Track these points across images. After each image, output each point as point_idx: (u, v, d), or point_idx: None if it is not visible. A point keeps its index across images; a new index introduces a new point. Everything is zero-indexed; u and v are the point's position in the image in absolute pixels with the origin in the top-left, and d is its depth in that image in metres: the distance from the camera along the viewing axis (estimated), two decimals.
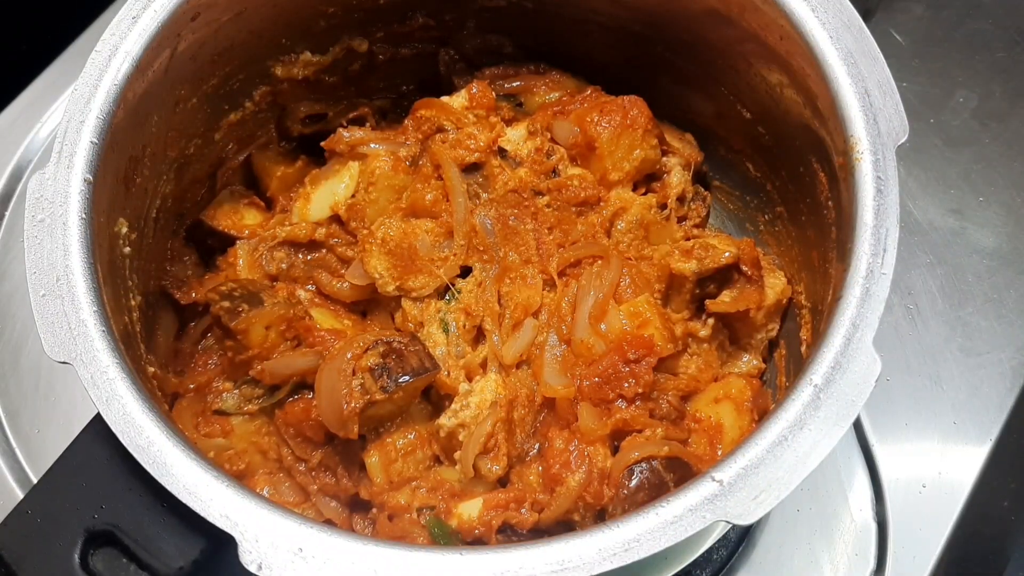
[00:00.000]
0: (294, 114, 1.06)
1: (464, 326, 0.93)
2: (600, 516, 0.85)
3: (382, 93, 1.11)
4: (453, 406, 0.88)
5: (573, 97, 1.03)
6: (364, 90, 1.09)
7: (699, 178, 1.06)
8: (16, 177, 1.25)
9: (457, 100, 1.02)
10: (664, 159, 1.02)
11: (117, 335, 0.75)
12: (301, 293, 0.98)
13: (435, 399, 0.92)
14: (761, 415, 0.90)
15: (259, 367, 0.90)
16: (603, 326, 0.91)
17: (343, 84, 1.07)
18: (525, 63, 1.09)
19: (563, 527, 0.85)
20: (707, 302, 0.95)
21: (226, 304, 0.91)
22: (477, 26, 1.06)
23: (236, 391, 0.92)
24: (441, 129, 1.01)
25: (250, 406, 0.91)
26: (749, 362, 0.98)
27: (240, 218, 1.03)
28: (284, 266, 0.99)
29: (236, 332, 0.91)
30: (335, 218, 1.00)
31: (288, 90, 1.03)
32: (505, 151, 0.99)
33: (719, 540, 0.99)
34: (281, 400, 0.90)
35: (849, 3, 0.82)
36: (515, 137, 1.00)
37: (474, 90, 1.02)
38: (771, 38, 0.87)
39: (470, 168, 0.98)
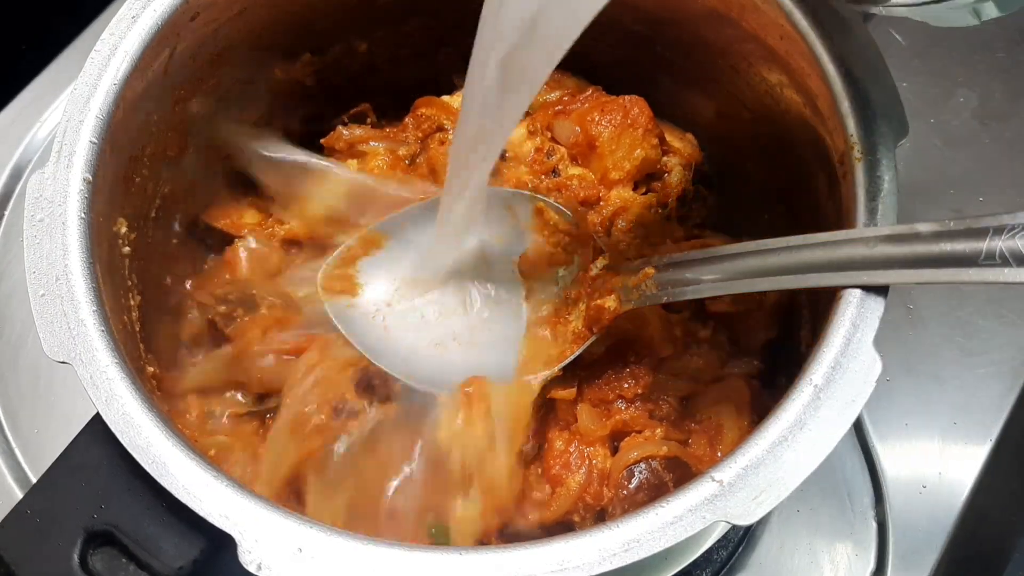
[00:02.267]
0: (294, 113, 1.06)
1: None
2: (600, 516, 0.85)
3: (382, 92, 1.11)
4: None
5: (574, 97, 1.03)
6: (364, 89, 1.09)
7: (700, 178, 1.06)
8: (15, 177, 1.25)
9: (458, 99, 1.03)
10: (665, 159, 1.02)
11: (116, 335, 0.75)
12: None
13: None
14: (761, 416, 0.90)
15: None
16: None
17: (343, 83, 1.07)
18: None
19: (563, 527, 0.85)
20: (707, 302, 0.95)
21: (222, 309, 0.91)
22: (476, 25, 1.06)
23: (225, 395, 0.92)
24: (441, 128, 1.01)
25: (236, 409, 0.91)
26: (749, 362, 0.97)
27: (239, 216, 1.03)
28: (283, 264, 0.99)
29: (231, 337, 0.91)
30: None
31: (288, 90, 1.03)
32: (504, 152, 0.99)
33: (719, 540, 0.99)
34: (272, 409, 0.90)
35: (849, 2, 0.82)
36: (515, 137, 1.00)
37: None
38: (771, 38, 0.87)
39: None
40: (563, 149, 0.99)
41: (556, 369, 0.88)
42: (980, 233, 0.63)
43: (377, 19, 1.04)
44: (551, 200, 0.94)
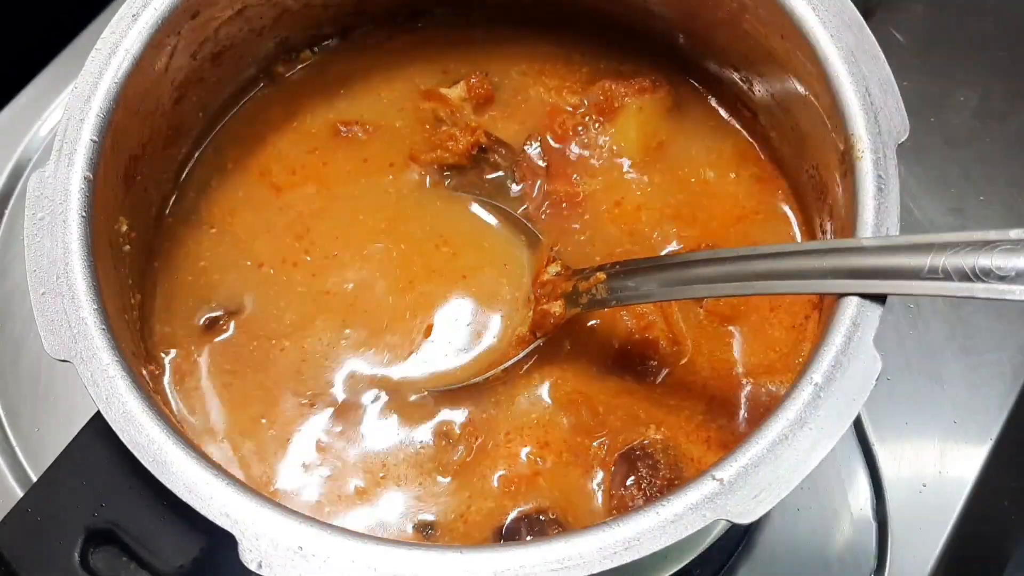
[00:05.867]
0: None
1: None
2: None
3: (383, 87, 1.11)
4: None
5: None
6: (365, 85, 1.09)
7: None
8: (16, 175, 1.25)
9: (455, 92, 1.03)
10: None
11: (117, 333, 0.75)
12: None
13: None
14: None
15: None
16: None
17: (344, 80, 1.07)
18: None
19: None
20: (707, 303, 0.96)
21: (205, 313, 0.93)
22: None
23: None
24: (439, 119, 1.01)
25: None
26: None
27: None
28: None
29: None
30: None
31: (290, 87, 1.04)
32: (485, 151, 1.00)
33: (719, 539, 0.99)
34: None
35: (850, 1, 0.82)
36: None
37: (472, 80, 1.03)
38: (771, 36, 0.87)
39: (450, 167, 1.00)
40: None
41: (497, 371, 0.89)
42: (924, 249, 0.66)
43: (377, 17, 1.04)
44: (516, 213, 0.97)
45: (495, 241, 0.97)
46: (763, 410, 0.91)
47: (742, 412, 0.90)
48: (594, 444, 0.87)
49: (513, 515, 0.85)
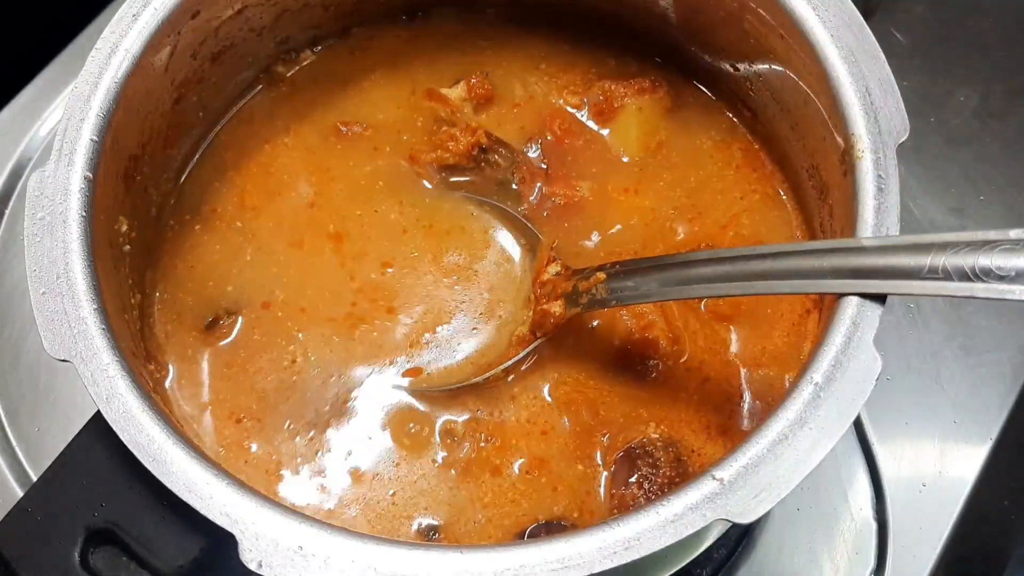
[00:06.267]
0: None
1: None
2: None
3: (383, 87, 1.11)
4: None
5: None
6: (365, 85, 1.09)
7: None
8: (16, 175, 1.26)
9: (455, 92, 1.03)
10: None
11: (117, 333, 0.75)
12: None
13: None
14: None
15: None
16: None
17: (344, 80, 1.07)
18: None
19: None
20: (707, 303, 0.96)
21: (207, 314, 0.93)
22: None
23: None
24: (439, 119, 1.02)
25: None
26: None
27: None
28: None
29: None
30: None
31: (289, 87, 1.04)
32: (485, 151, 1.00)
33: (719, 539, 0.99)
34: None
35: (850, 1, 0.82)
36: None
37: (472, 81, 1.03)
38: (771, 36, 0.88)
39: (451, 167, 1.00)
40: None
41: (497, 370, 0.89)
42: (924, 248, 0.66)
43: (378, 16, 1.04)
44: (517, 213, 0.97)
45: (495, 241, 0.98)
46: (763, 408, 0.91)
47: (742, 410, 0.91)
48: (595, 443, 0.88)
49: (534, 526, 0.85)
